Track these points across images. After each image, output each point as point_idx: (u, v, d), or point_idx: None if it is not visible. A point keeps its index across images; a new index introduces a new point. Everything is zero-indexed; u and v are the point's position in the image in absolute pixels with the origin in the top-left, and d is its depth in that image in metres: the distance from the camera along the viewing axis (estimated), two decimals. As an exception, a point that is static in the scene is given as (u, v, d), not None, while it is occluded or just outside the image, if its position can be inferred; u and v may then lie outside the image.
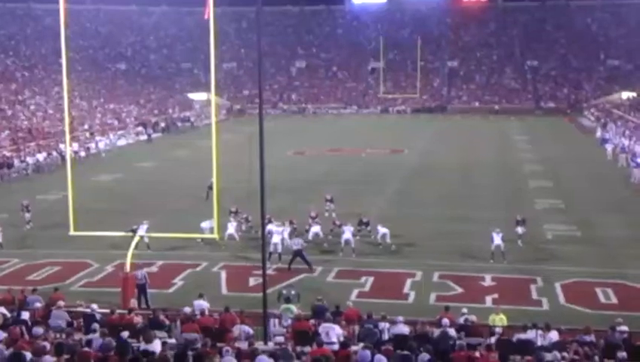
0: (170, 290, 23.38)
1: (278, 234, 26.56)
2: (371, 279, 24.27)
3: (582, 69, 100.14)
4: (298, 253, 25.15)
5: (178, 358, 12.61)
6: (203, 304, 19.20)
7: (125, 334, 15.36)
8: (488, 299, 22.08)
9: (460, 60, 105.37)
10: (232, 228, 28.13)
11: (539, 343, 15.99)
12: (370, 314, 17.95)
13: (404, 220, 31.81)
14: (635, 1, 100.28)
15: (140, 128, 70.43)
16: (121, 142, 63.69)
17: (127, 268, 21.67)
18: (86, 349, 13.62)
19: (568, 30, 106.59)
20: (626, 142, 52.52)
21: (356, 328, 17.30)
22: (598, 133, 63.66)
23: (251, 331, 16.88)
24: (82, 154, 53.83)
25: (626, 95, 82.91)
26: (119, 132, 66.89)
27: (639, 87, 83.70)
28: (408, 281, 24.00)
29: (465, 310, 18.52)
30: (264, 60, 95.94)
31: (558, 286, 23.34)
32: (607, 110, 79.05)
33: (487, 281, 23.92)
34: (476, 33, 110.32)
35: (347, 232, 27.22)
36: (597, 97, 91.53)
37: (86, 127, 64.27)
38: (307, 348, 15.20)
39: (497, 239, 25.71)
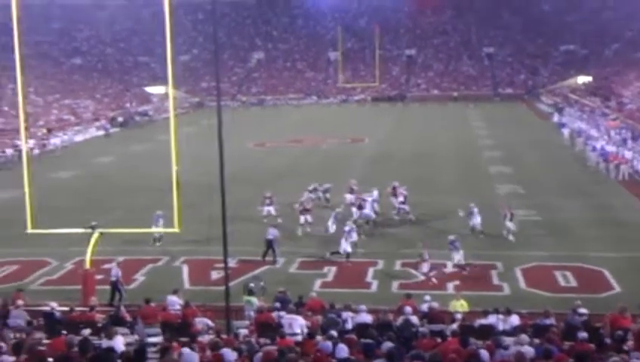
0: (132, 286, 23.12)
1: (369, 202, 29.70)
2: (334, 269, 24.31)
3: (538, 55, 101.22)
4: (270, 243, 25.05)
5: (137, 354, 12.45)
6: (175, 300, 19.06)
7: (86, 331, 15.18)
8: (450, 286, 22.25)
9: (417, 48, 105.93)
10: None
11: (500, 328, 16.14)
12: (333, 304, 17.98)
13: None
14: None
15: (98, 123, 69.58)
16: (79, 137, 62.83)
17: (87, 264, 21.38)
18: (43, 348, 13.43)
19: (524, 16, 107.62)
20: (583, 126, 53.23)
21: (320, 318, 17.29)
22: (555, 118, 64.45)
23: (212, 323, 16.81)
24: (38, 151, 52.93)
25: (581, 80, 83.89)
26: (76, 127, 65.94)
27: (594, 71, 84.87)
28: (370, 270, 24.09)
29: (427, 297, 18.64)
30: (222, 52, 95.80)
31: (518, 270, 23.61)
32: (564, 95, 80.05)
33: (449, 268, 24.08)
34: (433, 21, 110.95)
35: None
36: (553, 82, 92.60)
37: (42, 123, 63.25)
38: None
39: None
